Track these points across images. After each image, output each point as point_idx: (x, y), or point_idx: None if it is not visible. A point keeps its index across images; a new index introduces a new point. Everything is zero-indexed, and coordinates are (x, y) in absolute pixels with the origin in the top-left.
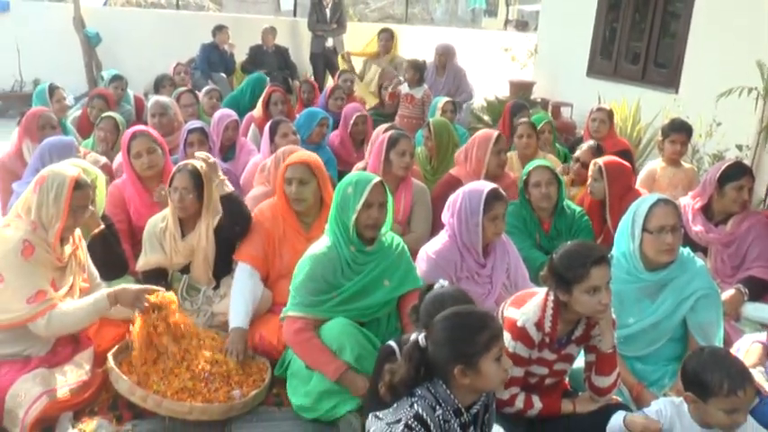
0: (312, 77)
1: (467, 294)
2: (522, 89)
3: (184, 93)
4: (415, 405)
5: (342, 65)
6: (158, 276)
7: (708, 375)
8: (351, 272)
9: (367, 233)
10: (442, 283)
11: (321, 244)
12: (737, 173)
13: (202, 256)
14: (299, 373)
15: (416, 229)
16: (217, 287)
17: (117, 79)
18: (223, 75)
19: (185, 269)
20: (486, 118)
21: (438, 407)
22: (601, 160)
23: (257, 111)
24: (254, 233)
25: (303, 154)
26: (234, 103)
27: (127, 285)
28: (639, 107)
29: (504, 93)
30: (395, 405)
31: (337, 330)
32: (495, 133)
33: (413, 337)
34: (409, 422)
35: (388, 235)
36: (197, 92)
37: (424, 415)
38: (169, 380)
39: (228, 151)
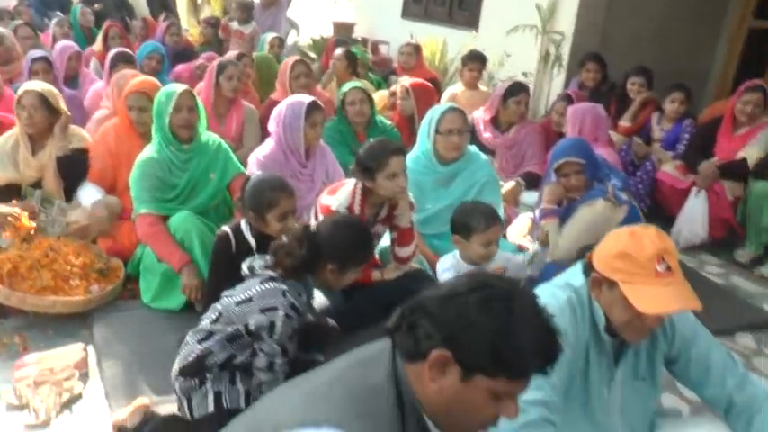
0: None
1: (282, 178)
2: (343, 29)
3: (21, 25)
4: (287, 294)
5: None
6: (11, 192)
7: (469, 218)
8: (177, 170)
9: (181, 133)
10: (257, 174)
11: (149, 149)
12: (517, 89)
13: (53, 170)
14: (151, 268)
15: (248, 144)
16: (69, 199)
17: None
18: (59, 13)
19: (37, 184)
20: (312, 54)
21: (303, 294)
22: (407, 82)
23: (96, 45)
24: (98, 155)
25: (143, 83)
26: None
27: None
28: (446, 44)
29: (329, 32)
30: (255, 288)
31: (182, 221)
32: (291, 62)
33: (250, 225)
34: (288, 311)
35: (205, 134)
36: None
37: (296, 303)
38: (32, 279)
39: (72, 81)
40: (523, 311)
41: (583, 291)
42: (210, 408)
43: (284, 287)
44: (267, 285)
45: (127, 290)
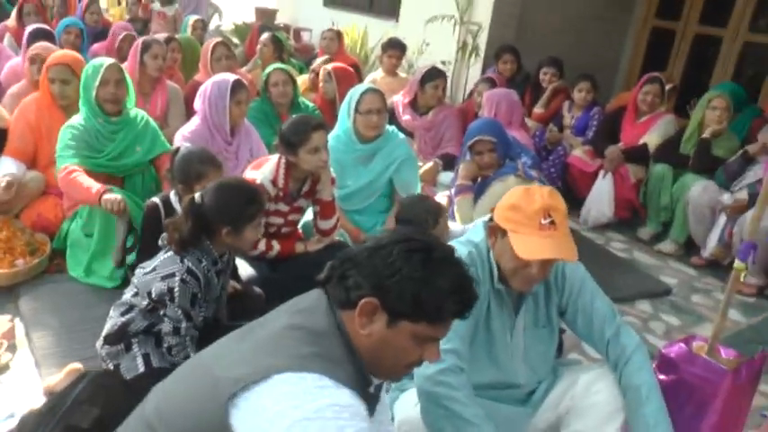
0: None
1: (209, 151)
2: (266, 15)
3: None
4: (185, 260)
5: None
6: None
7: (415, 211)
8: (105, 140)
9: (107, 107)
10: (186, 145)
11: (77, 117)
12: (434, 74)
13: None
14: (79, 242)
15: (173, 123)
16: None
17: None
18: None
19: None
20: (235, 40)
21: (203, 259)
22: (329, 66)
23: (11, 20)
24: (18, 129)
25: (65, 56)
26: None
27: None
28: (367, 33)
29: (251, 18)
30: (160, 258)
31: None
32: (212, 44)
33: (179, 196)
34: (183, 277)
35: (134, 110)
36: None
37: (194, 268)
38: None
39: None
40: (442, 262)
41: (482, 245)
42: (141, 368)
43: (183, 253)
44: (168, 254)
45: (53, 264)
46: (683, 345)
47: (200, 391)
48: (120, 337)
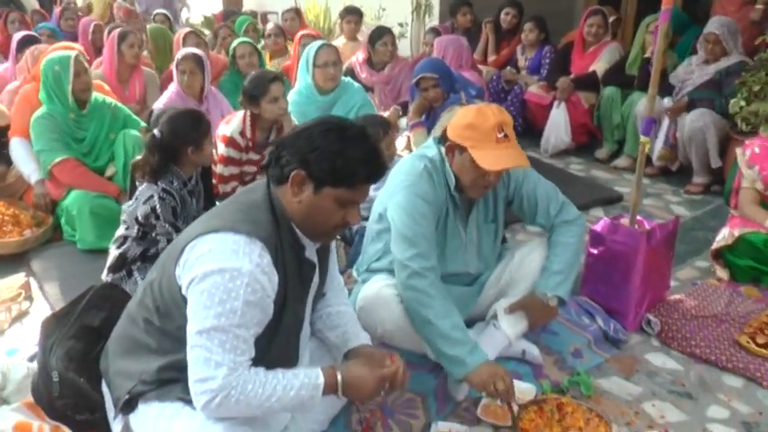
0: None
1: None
2: (233, 4)
3: None
4: (159, 183)
5: None
6: None
7: (368, 122)
8: (78, 130)
9: (83, 96)
10: (161, 107)
11: (39, 111)
12: (380, 33)
13: None
14: (81, 216)
15: (152, 106)
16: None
17: None
18: None
19: None
20: (205, 31)
21: (174, 180)
22: (299, 34)
23: None
24: (20, 109)
25: (65, 47)
26: None
27: None
28: (329, 8)
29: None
30: (138, 191)
31: (74, 200)
32: (183, 34)
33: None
34: (161, 194)
35: (98, 96)
36: None
37: (168, 187)
38: None
39: None
40: (354, 137)
41: (436, 159)
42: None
43: (156, 178)
44: (144, 185)
45: (58, 233)
46: (607, 219)
47: (169, 257)
48: (121, 265)
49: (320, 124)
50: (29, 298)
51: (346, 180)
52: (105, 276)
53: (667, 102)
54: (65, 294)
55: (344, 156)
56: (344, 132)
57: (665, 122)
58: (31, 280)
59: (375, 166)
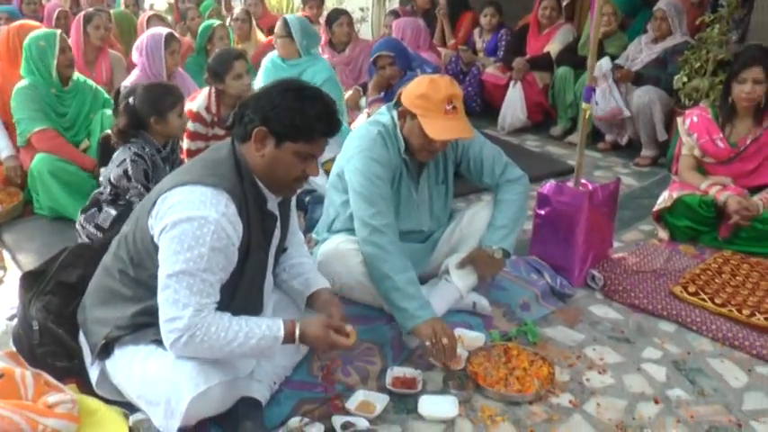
0: None
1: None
2: None
3: None
4: (131, 147)
5: None
6: None
7: None
8: (60, 105)
9: (67, 72)
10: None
11: (22, 82)
12: (336, 15)
13: None
14: (48, 184)
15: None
16: None
17: None
18: None
19: None
20: (169, 18)
21: (146, 147)
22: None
23: None
24: None
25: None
26: None
27: None
28: None
29: None
30: (113, 156)
31: (39, 162)
32: (146, 18)
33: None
34: (132, 158)
35: (79, 76)
36: None
37: (140, 152)
38: None
39: None
40: (311, 96)
41: (389, 124)
42: (113, 212)
43: (129, 144)
44: (120, 149)
45: (26, 209)
46: (554, 182)
47: (142, 209)
48: (93, 204)
49: (279, 85)
50: (2, 267)
51: (305, 134)
52: (78, 221)
53: (606, 63)
54: (36, 263)
55: (303, 112)
56: (302, 92)
57: (614, 88)
58: (4, 252)
59: (331, 121)
